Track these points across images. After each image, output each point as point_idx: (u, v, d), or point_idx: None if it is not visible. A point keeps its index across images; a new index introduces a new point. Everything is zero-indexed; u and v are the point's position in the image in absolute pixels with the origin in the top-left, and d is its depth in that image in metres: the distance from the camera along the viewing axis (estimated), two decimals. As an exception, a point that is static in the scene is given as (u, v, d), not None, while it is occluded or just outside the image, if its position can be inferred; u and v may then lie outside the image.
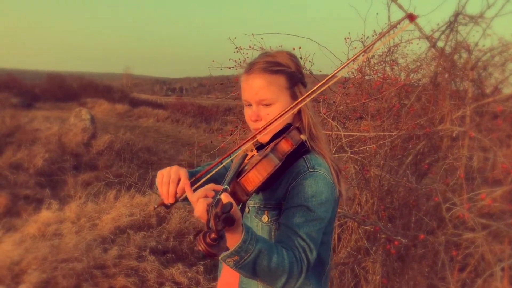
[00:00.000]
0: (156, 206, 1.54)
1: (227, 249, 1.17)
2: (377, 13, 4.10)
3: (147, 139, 12.80)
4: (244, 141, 1.53)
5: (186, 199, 1.56)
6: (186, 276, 4.15)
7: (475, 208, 3.28)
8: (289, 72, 1.54)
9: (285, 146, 1.47)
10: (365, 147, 3.65)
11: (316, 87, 1.45)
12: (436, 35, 3.61)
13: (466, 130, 3.32)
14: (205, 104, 28.20)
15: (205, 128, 19.69)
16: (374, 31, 4.45)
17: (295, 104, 1.47)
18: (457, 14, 3.25)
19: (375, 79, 4.47)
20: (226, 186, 1.26)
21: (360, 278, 3.86)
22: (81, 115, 10.99)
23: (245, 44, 4.28)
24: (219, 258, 1.20)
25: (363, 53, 1.44)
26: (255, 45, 4.13)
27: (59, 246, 4.53)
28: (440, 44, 3.68)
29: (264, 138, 1.54)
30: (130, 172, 8.18)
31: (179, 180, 1.46)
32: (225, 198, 1.17)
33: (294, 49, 1.66)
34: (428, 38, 3.50)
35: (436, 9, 3.54)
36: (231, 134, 4.42)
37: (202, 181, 1.49)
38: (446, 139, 3.71)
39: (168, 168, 1.50)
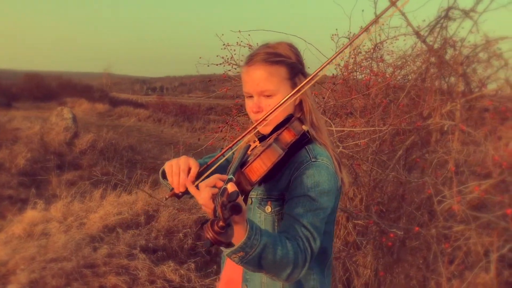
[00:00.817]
0: (167, 197, 1.52)
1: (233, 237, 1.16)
2: (362, 10, 4.13)
3: (130, 138, 12.69)
4: (246, 132, 1.52)
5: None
6: (178, 273, 4.12)
7: (465, 201, 3.33)
8: (290, 63, 1.54)
9: (287, 136, 1.46)
10: (356, 142, 3.68)
11: (315, 72, 1.45)
12: (424, 31, 3.65)
13: (456, 124, 3.37)
14: (186, 103, 28.14)
15: (188, 127, 19.66)
16: (361, 27, 4.48)
17: (295, 92, 1.46)
18: (448, 9, 3.30)
19: (363, 76, 4.50)
20: (231, 176, 1.25)
21: (351, 272, 3.89)
22: (63, 114, 10.84)
23: (231, 42, 4.28)
24: (225, 254, 1.19)
25: (363, 33, 1.44)
26: (242, 41, 4.13)
27: (47, 245, 4.46)
28: (428, 40, 3.72)
29: (265, 129, 1.55)
30: (115, 171, 8.11)
31: (189, 169, 1.45)
32: (230, 187, 1.15)
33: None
34: (417, 33, 3.54)
35: (424, 4, 3.58)
36: (221, 131, 4.40)
37: (206, 174, 1.49)
38: (435, 134, 3.77)
39: (176, 158, 1.48)
